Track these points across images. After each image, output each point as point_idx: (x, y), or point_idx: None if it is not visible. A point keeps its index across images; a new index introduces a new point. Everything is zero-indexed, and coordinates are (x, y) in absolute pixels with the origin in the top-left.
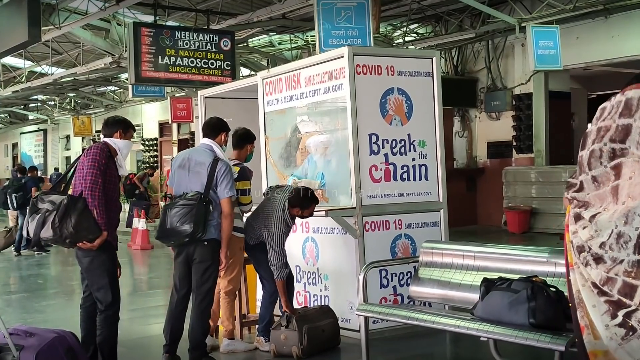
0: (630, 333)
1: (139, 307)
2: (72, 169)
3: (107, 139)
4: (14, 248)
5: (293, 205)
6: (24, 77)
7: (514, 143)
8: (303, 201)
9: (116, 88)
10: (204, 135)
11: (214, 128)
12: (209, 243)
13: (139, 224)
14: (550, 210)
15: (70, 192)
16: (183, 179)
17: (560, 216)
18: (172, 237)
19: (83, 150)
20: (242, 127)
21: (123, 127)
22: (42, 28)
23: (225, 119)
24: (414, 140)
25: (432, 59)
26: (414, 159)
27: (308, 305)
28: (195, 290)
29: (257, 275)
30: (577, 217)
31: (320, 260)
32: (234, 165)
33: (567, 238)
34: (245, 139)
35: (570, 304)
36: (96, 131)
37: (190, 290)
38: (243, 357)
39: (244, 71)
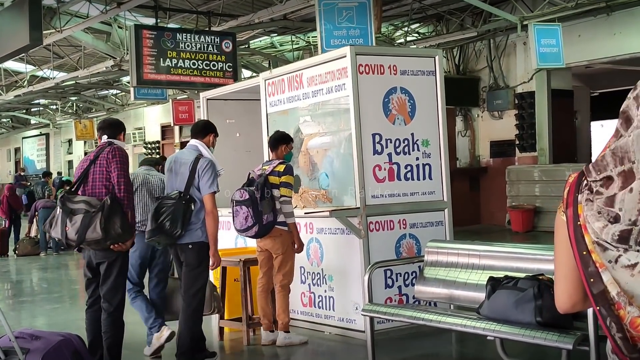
0: None
1: None
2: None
3: (114, 141)
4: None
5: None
6: (26, 82)
7: (517, 142)
8: (276, 141)
9: (118, 91)
10: (192, 137)
11: (202, 129)
12: (194, 246)
13: None
14: (554, 209)
15: (80, 193)
16: (170, 182)
17: None
18: (154, 237)
19: (85, 153)
20: (277, 130)
21: (124, 130)
22: (44, 32)
23: (227, 121)
24: (417, 140)
25: (434, 57)
26: (417, 159)
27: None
28: (182, 294)
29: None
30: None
31: (325, 261)
32: (279, 163)
33: (588, 239)
34: (278, 141)
35: (599, 310)
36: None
37: None
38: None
39: (246, 73)
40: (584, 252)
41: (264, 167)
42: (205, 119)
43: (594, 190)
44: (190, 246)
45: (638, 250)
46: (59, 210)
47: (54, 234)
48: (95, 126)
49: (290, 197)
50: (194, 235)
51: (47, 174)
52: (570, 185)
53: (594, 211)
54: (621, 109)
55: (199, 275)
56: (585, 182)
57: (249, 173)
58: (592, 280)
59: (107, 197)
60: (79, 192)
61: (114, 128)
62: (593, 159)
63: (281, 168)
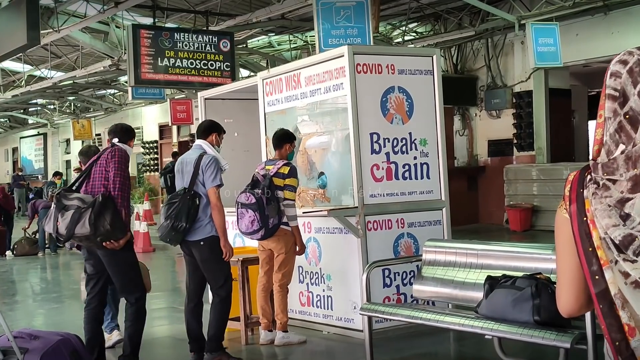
0: None
1: None
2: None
3: (121, 145)
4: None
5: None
6: (23, 81)
7: (515, 141)
8: (280, 140)
9: (116, 91)
10: (197, 138)
11: (205, 129)
12: (205, 242)
13: (140, 226)
14: (552, 208)
15: (82, 191)
16: (178, 182)
17: None
18: (163, 234)
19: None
20: (281, 128)
21: (134, 136)
22: (41, 31)
23: (225, 120)
24: (415, 139)
25: (432, 57)
26: (415, 158)
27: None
28: (211, 290)
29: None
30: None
31: (323, 260)
32: (283, 165)
33: (596, 235)
34: (282, 139)
35: (600, 309)
36: (96, 134)
37: (201, 287)
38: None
39: (243, 72)
40: (589, 249)
41: (267, 167)
42: (208, 119)
43: (601, 184)
44: (201, 242)
45: (633, 261)
46: (53, 206)
47: (47, 229)
48: (92, 126)
49: (294, 200)
50: (203, 231)
51: (57, 173)
52: (572, 182)
53: (604, 205)
54: (618, 87)
55: (220, 268)
56: (589, 177)
57: (254, 175)
58: (596, 277)
59: (99, 194)
60: (81, 191)
61: (124, 133)
62: (590, 156)
63: (285, 170)
